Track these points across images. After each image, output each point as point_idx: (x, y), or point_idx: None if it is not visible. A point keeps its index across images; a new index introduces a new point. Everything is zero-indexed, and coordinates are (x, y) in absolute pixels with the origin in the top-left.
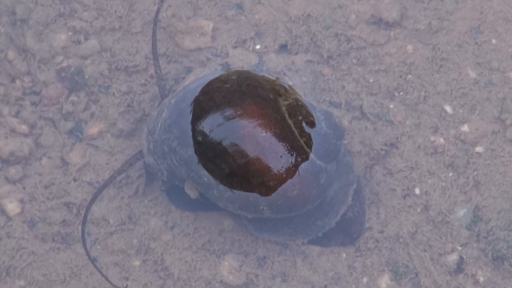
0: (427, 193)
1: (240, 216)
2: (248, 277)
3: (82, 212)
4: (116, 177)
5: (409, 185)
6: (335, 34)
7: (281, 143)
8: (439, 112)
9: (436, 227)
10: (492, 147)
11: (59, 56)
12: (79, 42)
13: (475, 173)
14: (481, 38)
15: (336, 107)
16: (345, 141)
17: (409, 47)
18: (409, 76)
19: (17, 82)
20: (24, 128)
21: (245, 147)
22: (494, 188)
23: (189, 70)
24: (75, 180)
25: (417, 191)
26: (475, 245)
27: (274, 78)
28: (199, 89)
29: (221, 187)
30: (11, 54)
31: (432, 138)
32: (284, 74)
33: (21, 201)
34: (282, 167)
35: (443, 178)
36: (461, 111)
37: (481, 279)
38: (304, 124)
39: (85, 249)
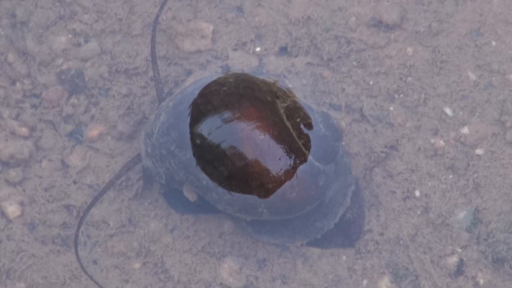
0: (427, 196)
1: (239, 219)
2: (248, 280)
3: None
4: (115, 182)
5: (409, 187)
6: (335, 36)
7: (280, 145)
8: (439, 114)
9: (436, 230)
10: (492, 149)
11: (59, 59)
12: (79, 44)
13: (475, 175)
14: (481, 40)
15: (336, 110)
16: (343, 143)
17: (409, 50)
18: (409, 78)
19: (17, 84)
20: (24, 130)
21: (244, 149)
22: (494, 190)
23: (189, 73)
24: (75, 182)
25: (417, 193)
26: (475, 248)
27: (271, 81)
28: (196, 92)
29: (220, 189)
30: (11, 56)
31: (432, 141)
32: (284, 76)
33: (21, 203)
34: (281, 169)
35: (443, 180)
36: (461, 113)
37: (481, 281)
38: (302, 126)
39: (77, 256)
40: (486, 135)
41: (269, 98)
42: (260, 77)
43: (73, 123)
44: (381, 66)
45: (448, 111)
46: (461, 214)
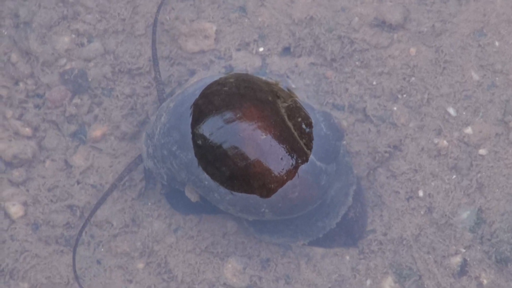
0: (431, 196)
1: (242, 219)
2: (251, 280)
3: (86, 215)
4: (117, 185)
5: (412, 187)
6: (338, 36)
7: (281, 145)
8: (442, 114)
9: (440, 230)
10: (496, 150)
11: (62, 59)
12: (82, 44)
13: (479, 175)
14: (484, 40)
15: (339, 110)
16: (344, 142)
17: (412, 50)
18: (413, 78)
19: (21, 84)
20: (27, 130)
21: (245, 149)
22: (497, 190)
23: (192, 73)
24: (78, 182)
25: (421, 193)
26: (479, 248)
27: (272, 81)
28: (197, 93)
29: (222, 190)
30: (14, 56)
31: (436, 141)
32: (287, 76)
33: (25, 203)
34: (283, 169)
35: (446, 180)
36: (464, 113)
37: (485, 281)
38: (303, 125)
39: (73, 259)
40: (490, 135)
41: (270, 98)
42: (261, 77)
43: (77, 123)
44: (384, 66)
45: (451, 111)
46: (465, 214)
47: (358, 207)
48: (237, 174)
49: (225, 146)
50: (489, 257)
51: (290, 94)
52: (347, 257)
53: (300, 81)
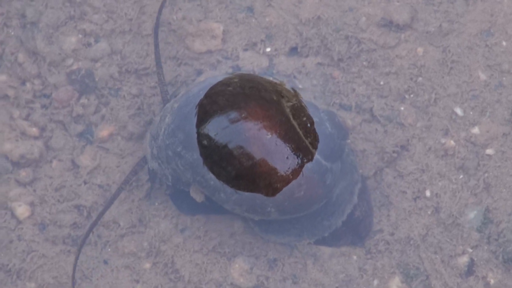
0: (438, 196)
1: (247, 218)
2: (258, 280)
3: (93, 215)
4: (124, 189)
5: (419, 187)
6: (345, 36)
7: (287, 144)
8: (449, 114)
9: (447, 229)
10: (503, 149)
11: (69, 59)
12: (89, 44)
13: (486, 175)
14: (491, 40)
15: (346, 110)
16: (348, 141)
17: (420, 50)
18: (420, 78)
19: (28, 85)
20: (34, 131)
21: (251, 149)
22: (504, 190)
23: (199, 73)
24: (85, 182)
25: (428, 193)
26: (486, 247)
27: (276, 80)
28: (202, 93)
29: (228, 189)
30: (21, 57)
31: (443, 141)
32: (294, 77)
33: (32, 203)
34: (289, 168)
35: (453, 180)
36: (471, 113)
37: (492, 281)
38: (308, 124)
39: (76, 261)
40: (497, 135)
41: (274, 98)
42: (265, 76)
43: (83, 123)
44: (392, 66)
45: (458, 111)
46: (472, 214)
47: (364, 205)
48: (243, 174)
49: (230, 146)
50: (496, 257)
51: (294, 93)
52: (354, 257)
53: (307, 81)
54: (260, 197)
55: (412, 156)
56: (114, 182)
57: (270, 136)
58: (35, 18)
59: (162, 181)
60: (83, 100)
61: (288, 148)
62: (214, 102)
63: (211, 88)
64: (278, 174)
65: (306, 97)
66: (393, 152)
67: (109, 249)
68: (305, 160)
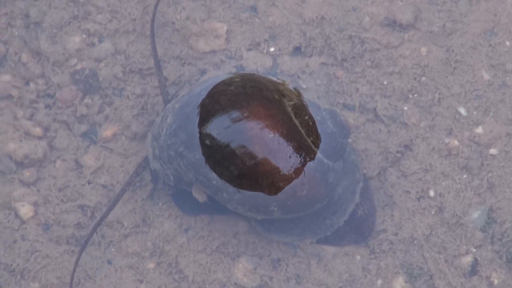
0: (442, 195)
1: (250, 218)
2: (262, 280)
3: (97, 215)
4: (127, 190)
5: (423, 187)
6: (349, 36)
7: (289, 143)
8: (453, 114)
9: (451, 229)
10: (506, 149)
11: (73, 59)
12: (93, 44)
13: (490, 175)
14: (495, 40)
15: (349, 110)
16: (350, 140)
17: (423, 49)
18: (423, 78)
19: (31, 84)
20: (38, 130)
21: (253, 148)
22: (508, 190)
23: (203, 72)
24: (89, 182)
25: (432, 193)
26: (490, 247)
27: (278, 80)
28: (203, 93)
29: (231, 189)
30: (25, 56)
31: (446, 140)
32: (298, 77)
33: (35, 203)
34: (291, 167)
35: (457, 180)
36: (475, 113)
37: (496, 281)
38: (310, 123)
39: (77, 261)
40: (500, 134)
41: (276, 97)
42: (266, 76)
43: (87, 123)
44: (395, 66)
45: (462, 110)
46: (475, 214)
47: (367, 204)
48: (245, 173)
49: (233, 145)
50: (500, 257)
51: (295, 92)
52: (358, 257)
53: (310, 81)
54: (263, 196)
55: (415, 156)
56: (118, 182)
57: (272, 135)
58: (39, 18)
59: (165, 182)
60: (87, 100)
61: (290, 147)
62: (216, 102)
63: (213, 88)
64: (281, 173)
65: (309, 97)
66: (397, 152)
67: (113, 249)
68: (307, 159)
